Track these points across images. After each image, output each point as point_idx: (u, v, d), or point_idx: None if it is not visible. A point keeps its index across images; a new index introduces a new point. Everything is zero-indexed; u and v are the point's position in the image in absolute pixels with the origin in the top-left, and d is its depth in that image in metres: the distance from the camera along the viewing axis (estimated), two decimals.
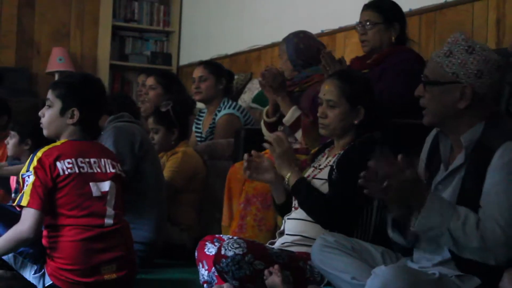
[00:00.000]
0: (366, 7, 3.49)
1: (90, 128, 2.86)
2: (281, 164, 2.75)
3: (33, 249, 2.73)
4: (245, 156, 2.82)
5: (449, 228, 2.04)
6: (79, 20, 7.13)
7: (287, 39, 3.79)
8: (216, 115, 4.46)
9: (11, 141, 4.23)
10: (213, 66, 4.69)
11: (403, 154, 2.05)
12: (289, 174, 2.73)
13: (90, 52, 7.17)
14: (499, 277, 2.03)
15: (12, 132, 4.27)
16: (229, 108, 4.44)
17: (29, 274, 2.75)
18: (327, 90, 2.75)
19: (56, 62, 6.79)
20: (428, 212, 2.06)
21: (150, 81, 5.01)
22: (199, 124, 4.68)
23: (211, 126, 4.49)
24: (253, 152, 2.84)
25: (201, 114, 4.73)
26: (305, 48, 3.73)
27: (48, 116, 2.81)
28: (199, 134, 4.66)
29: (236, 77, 5.26)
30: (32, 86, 6.80)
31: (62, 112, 2.79)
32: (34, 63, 6.96)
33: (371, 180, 2.03)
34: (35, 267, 2.74)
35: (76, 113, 2.77)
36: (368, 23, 3.44)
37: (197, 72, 4.63)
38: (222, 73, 4.60)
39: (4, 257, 2.78)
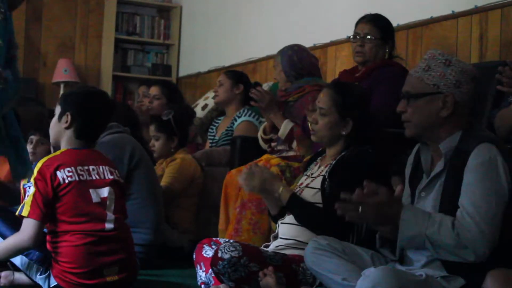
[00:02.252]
0: (366, 20, 3.46)
1: (88, 137, 2.81)
2: (264, 195, 2.79)
3: (39, 253, 2.71)
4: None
5: (427, 235, 2.07)
6: (83, 33, 7.11)
7: (282, 51, 3.80)
8: (235, 120, 4.42)
9: (39, 148, 4.20)
10: (232, 73, 4.66)
11: (368, 180, 2.11)
12: (280, 189, 2.71)
13: (94, 63, 7.14)
14: (483, 277, 2.04)
15: (33, 137, 4.23)
16: (249, 116, 4.41)
17: (35, 275, 2.74)
18: (322, 98, 2.76)
19: (62, 73, 6.76)
20: (404, 225, 2.10)
21: (155, 90, 4.97)
22: (213, 129, 4.66)
23: (228, 128, 4.46)
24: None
25: (217, 121, 4.71)
26: (299, 60, 3.74)
27: (51, 123, 2.81)
28: (211, 138, 4.63)
29: None
30: (38, 96, 6.75)
31: (60, 118, 2.78)
32: (40, 74, 6.93)
33: (347, 208, 2.09)
34: (41, 269, 2.72)
35: (69, 117, 2.73)
36: (368, 36, 3.42)
37: (218, 78, 4.63)
38: (240, 80, 4.53)
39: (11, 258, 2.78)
